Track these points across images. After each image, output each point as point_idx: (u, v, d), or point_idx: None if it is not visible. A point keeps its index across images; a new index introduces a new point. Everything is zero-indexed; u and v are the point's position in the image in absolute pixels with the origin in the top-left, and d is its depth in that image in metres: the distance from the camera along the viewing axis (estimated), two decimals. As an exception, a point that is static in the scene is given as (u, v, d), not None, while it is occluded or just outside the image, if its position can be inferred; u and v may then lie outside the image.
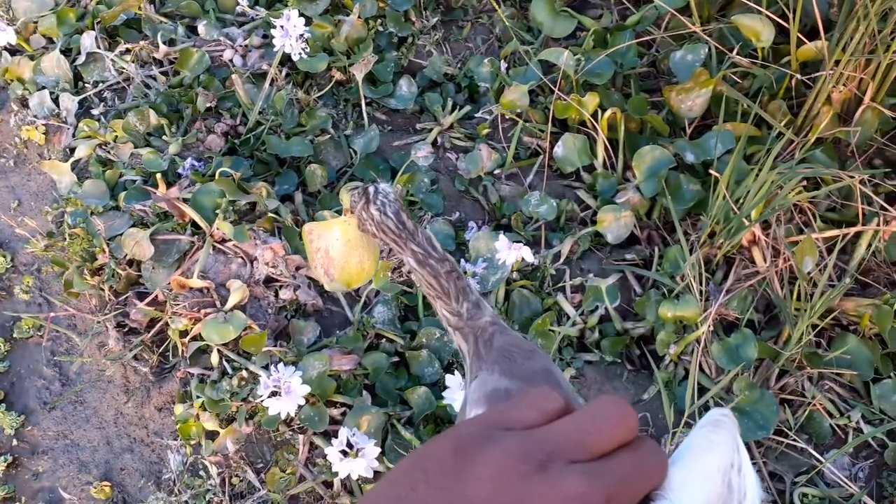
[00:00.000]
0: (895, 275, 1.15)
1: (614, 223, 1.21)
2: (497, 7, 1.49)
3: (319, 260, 0.66)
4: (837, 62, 1.19)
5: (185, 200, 1.22)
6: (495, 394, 0.52)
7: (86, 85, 1.45)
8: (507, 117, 1.38)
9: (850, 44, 1.16)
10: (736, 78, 1.30)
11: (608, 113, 1.26)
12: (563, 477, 0.31)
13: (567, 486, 0.31)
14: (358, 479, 1.04)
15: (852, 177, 1.10)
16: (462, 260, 1.20)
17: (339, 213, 1.28)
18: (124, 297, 1.25)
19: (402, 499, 0.31)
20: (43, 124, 1.45)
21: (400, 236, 0.59)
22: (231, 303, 1.15)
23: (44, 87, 1.46)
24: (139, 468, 1.23)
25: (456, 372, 1.04)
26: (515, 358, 0.54)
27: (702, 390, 1.08)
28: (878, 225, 1.11)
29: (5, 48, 1.50)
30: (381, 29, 1.49)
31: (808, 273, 1.09)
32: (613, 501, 0.31)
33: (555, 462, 0.31)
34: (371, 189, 0.61)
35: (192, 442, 1.14)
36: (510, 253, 1.11)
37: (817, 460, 1.02)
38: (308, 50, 1.37)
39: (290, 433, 1.11)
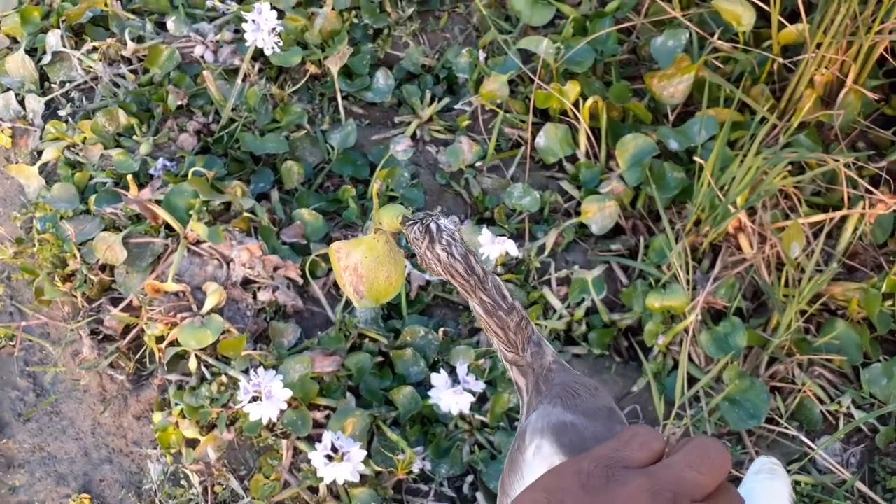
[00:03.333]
0: (882, 258, 1.14)
1: (598, 213, 1.19)
2: (474, -4, 1.46)
3: (348, 278, 0.63)
4: (819, 45, 1.17)
5: (157, 202, 1.18)
6: (561, 427, 0.52)
7: (52, 85, 1.41)
8: (487, 108, 1.35)
9: (831, 26, 1.14)
10: (718, 63, 1.29)
11: (590, 101, 1.24)
12: None
13: None
14: (344, 484, 1.02)
15: (836, 160, 1.08)
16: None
17: (318, 210, 1.25)
18: (98, 303, 1.21)
19: None
20: (9, 127, 1.40)
21: (468, 281, 0.56)
22: (208, 306, 1.12)
23: (9, 89, 1.42)
24: (119, 479, 1.19)
25: (442, 370, 1.02)
26: (580, 393, 0.54)
27: (691, 381, 1.06)
28: (863, 208, 1.10)
29: (-33, 49, 1.45)
30: (355, 21, 1.46)
31: (796, 258, 1.08)
32: None
33: (681, 500, 0.34)
34: (433, 226, 0.56)
35: (173, 451, 1.11)
36: (494, 247, 1.09)
37: (809, 447, 1.01)
38: (281, 44, 1.33)
39: (273, 438, 1.08)
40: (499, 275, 1.17)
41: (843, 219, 1.14)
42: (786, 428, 1.04)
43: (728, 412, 1.04)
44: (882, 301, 1.07)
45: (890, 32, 1.13)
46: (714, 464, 0.36)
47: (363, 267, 0.63)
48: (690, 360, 1.08)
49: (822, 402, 1.06)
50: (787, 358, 1.07)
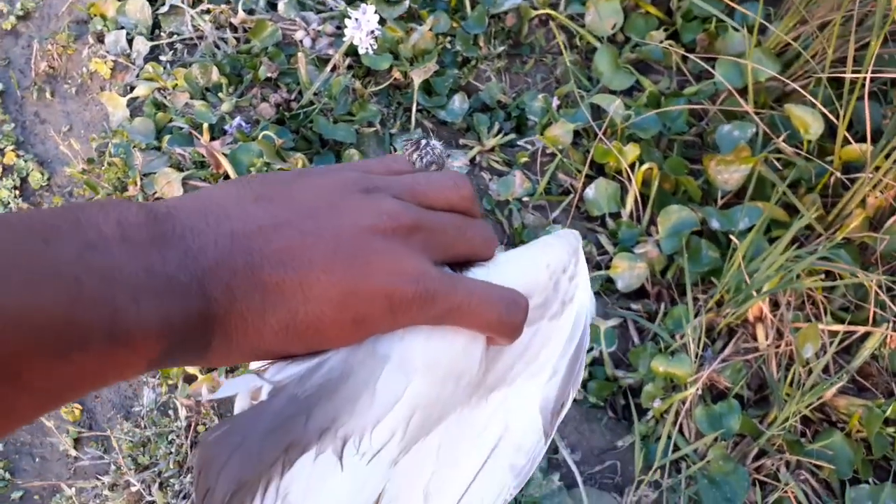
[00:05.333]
0: (894, 385, 1.13)
1: (627, 272, 1.22)
2: (564, 51, 1.53)
3: None
4: (878, 168, 1.20)
5: (224, 155, 1.26)
6: None
7: (161, 33, 1.52)
8: (547, 151, 1.40)
9: (893, 152, 1.17)
10: (777, 165, 1.32)
11: (645, 167, 1.28)
12: (381, 198, 0.33)
13: (380, 203, 0.33)
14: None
15: (868, 275, 1.10)
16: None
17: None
18: (143, 231, 1.28)
19: (236, 183, 0.33)
20: (112, 60, 1.51)
21: None
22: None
23: (122, 28, 1.53)
24: (112, 399, 1.24)
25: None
26: None
27: (677, 450, 1.07)
28: (887, 329, 1.10)
29: (97, -16, 1.58)
30: (448, 46, 1.54)
31: (807, 360, 1.08)
32: (428, 248, 0.33)
33: (380, 192, 0.34)
34: (423, 142, 0.61)
35: (170, 382, 1.15)
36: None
37: (777, 545, 1.00)
38: (375, 47, 1.42)
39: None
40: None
41: (864, 338, 1.14)
42: (759, 522, 1.03)
43: (706, 490, 1.04)
44: (884, 424, 1.06)
45: (950, 171, 1.15)
46: (441, 182, 0.35)
47: None
48: (681, 432, 1.09)
49: (801, 506, 1.05)
50: (777, 454, 1.06)
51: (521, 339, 0.37)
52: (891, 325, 1.11)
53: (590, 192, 1.33)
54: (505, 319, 0.35)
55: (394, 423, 0.33)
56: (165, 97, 1.42)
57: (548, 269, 0.39)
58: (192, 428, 1.12)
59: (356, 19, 1.41)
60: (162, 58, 1.49)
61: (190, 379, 1.14)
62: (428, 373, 0.34)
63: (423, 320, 0.33)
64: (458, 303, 0.33)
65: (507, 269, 0.37)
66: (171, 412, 1.15)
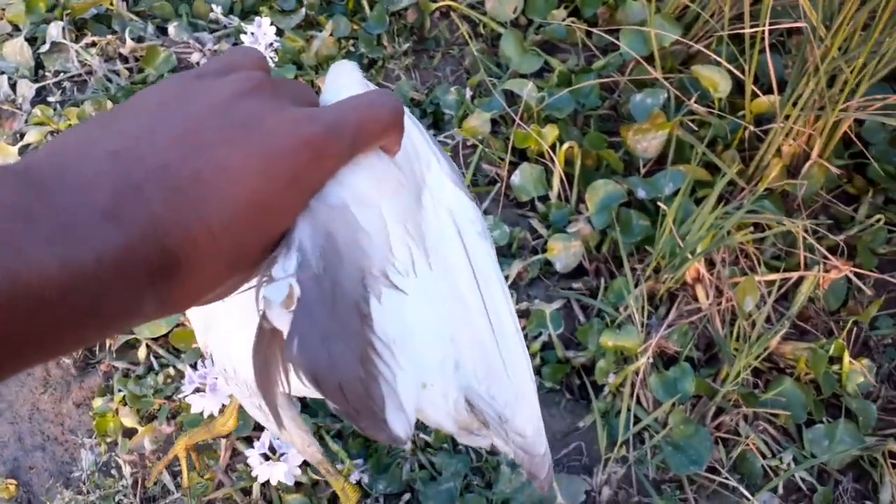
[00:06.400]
0: (833, 324, 1.16)
1: (564, 252, 1.21)
2: (469, 41, 1.52)
3: None
4: (787, 117, 1.23)
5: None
6: None
7: (46, 73, 1.44)
8: (468, 144, 1.39)
9: (800, 100, 1.20)
10: (693, 126, 1.34)
11: (566, 146, 1.28)
12: (220, 74, 0.33)
13: (224, 76, 0.32)
14: (278, 487, 1.00)
15: (794, 223, 1.12)
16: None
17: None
18: (56, 285, 1.20)
19: (89, 121, 0.31)
20: (-3, 108, 1.42)
21: None
22: (167, 297, 1.11)
23: (2, 73, 1.44)
24: (49, 467, 1.16)
25: (390, 383, 1.01)
26: None
27: (637, 422, 1.07)
28: (818, 271, 1.13)
29: (-32, 30, 1.47)
30: (352, 49, 1.51)
31: (749, 313, 1.10)
32: (292, 98, 0.33)
33: (210, 73, 0.33)
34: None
35: (108, 439, 1.08)
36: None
37: (747, 499, 1.01)
38: (276, 59, 1.37)
39: (213, 438, 1.06)
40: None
41: (798, 283, 1.17)
42: (726, 479, 1.04)
43: (671, 456, 1.04)
44: (829, 363, 1.09)
45: (856, 110, 1.19)
46: (240, 51, 0.35)
47: None
48: (639, 402, 1.09)
49: (764, 456, 1.06)
50: (734, 409, 1.08)
51: (402, 145, 0.38)
52: (821, 266, 1.14)
53: (515, 178, 1.32)
54: (395, 112, 0.35)
55: (401, 240, 0.35)
56: (60, 140, 1.33)
57: (362, 85, 0.41)
58: (139, 485, 1.06)
59: (252, 34, 1.36)
60: (50, 99, 1.41)
61: (129, 433, 1.07)
62: (384, 194, 0.35)
63: (341, 154, 0.33)
64: (357, 121, 0.33)
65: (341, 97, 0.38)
66: (114, 472, 1.08)
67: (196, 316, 0.55)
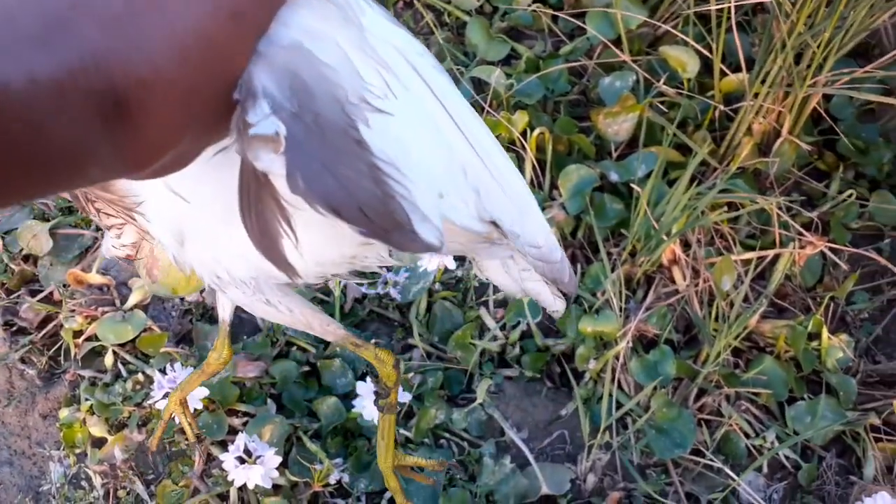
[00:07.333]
0: (810, 300, 1.16)
1: (539, 239, 1.20)
2: (434, 29, 1.49)
3: (143, 259, 0.60)
4: (757, 95, 1.22)
5: (92, 194, 1.15)
6: None
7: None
8: (437, 134, 1.36)
9: (769, 76, 1.20)
10: (663, 108, 1.33)
11: (536, 132, 1.26)
12: None
13: None
14: (256, 492, 0.97)
15: (767, 200, 1.12)
16: (386, 270, 1.17)
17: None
18: (17, 294, 1.16)
19: None
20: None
21: None
22: (131, 302, 1.08)
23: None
24: (17, 482, 1.12)
25: (368, 379, 0.99)
26: None
27: (620, 407, 1.05)
28: (793, 248, 1.13)
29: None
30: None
31: (727, 292, 1.09)
32: None
33: None
34: None
35: (77, 450, 1.04)
36: (432, 260, 1.08)
37: (732, 479, 1.00)
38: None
39: (186, 443, 1.03)
40: (436, 292, 1.16)
41: (775, 261, 1.16)
42: (711, 460, 1.03)
43: (655, 440, 1.03)
44: (808, 340, 1.09)
45: (824, 85, 1.19)
46: None
47: (159, 249, 0.59)
48: (620, 387, 1.08)
49: (747, 436, 1.05)
50: (716, 390, 1.07)
51: None
52: (796, 243, 1.14)
53: (487, 166, 1.30)
54: None
55: (367, 66, 0.34)
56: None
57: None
58: (111, 495, 1.02)
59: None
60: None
61: (99, 443, 1.04)
62: (333, 27, 0.34)
63: None
64: None
65: None
66: (84, 483, 1.04)
67: (166, 229, 0.51)
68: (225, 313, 0.67)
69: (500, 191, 0.43)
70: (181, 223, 0.50)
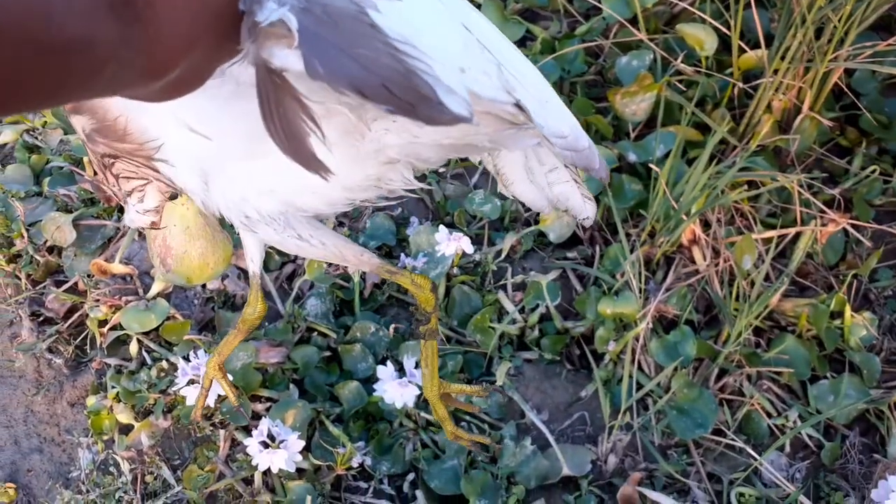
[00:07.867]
0: (832, 278, 1.15)
1: (557, 222, 1.19)
2: (448, 13, 1.49)
3: (156, 248, 0.60)
4: (776, 71, 1.20)
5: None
6: None
7: (18, 70, 1.40)
8: (453, 118, 1.36)
9: (788, 52, 1.18)
10: (681, 87, 1.31)
11: (553, 113, 1.26)
12: None
13: None
14: (280, 476, 0.98)
15: (787, 177, 1.10)
16: (402, 255, 1.17)
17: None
18: (42, 285, 1.18)
19: None
20: (-30, 109, 1.38)
21: None
22: (154, 291, 1.09)
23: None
24: (48, 469, 1.14)
25: (388, 363, 1.00)
26: None
27: (640, 388, 1.05)
28: (815, 226, 1.11)
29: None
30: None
31: (747, 272, 1.08)
32: None
33: None
34: None
35: (105, 437, 1.06)
36: (450, 244, 1.08)
37: (754, 459, 1.00)
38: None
39: (211, 429, 1.05)
40: (455, 276, 1.16)
41: (796, 238, 1.15)
42: (732, 440, 1.03)
43: (676, 421, 1.03)
44: (830, 318, 1.08)
45: (845, 60, 1.17)
46: None
47: (172, 238, 0.59)
48: (640, 369, 1.08)
49: (769, 415, 1.05)
50: (737, 370, 1.06)
51: None
52: (818, 220, 1.13)
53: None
54: None
55: None
56: (36, 137, 1.30)
57: None
58: (139, 480, 1.04)
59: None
60: (24, 96, 1.37)
61: (126, 430, 1.06)
62: None
63: None
64: None
65: None
66: (112, 469, 1.06)
67: (191, 171, 0.51)
68: (255, 265, 0.66)
69: (518, 83, 0.43)
70: (204, 163, 0.49)
